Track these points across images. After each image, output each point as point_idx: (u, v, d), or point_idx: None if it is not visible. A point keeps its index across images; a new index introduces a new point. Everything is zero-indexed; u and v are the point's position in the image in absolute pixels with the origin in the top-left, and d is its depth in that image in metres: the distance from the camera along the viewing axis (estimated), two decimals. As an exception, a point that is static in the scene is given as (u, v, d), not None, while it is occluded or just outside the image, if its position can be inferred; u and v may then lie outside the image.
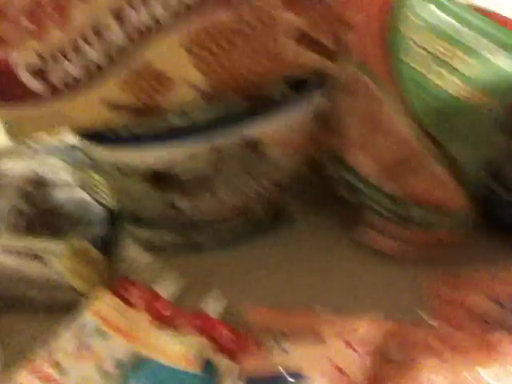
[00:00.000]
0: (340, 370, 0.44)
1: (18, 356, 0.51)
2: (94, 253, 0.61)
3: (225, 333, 0.53)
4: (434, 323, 0.51)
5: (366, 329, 0.46)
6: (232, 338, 0.53)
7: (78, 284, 0.57)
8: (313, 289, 0.57)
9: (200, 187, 0.56)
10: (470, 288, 0.52)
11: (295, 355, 0.46)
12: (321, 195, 0.64)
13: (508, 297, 0.51)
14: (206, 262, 0.61)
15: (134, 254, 0.64)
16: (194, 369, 0.49)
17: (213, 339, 0.52)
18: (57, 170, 0.67)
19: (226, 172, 0.55)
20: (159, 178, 0.56)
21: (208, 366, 0.50)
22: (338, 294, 0.55)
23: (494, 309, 0.51)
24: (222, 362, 0.50)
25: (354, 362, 0.44)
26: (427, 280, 0.55)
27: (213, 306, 0.56)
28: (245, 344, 0.52)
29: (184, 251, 0.63)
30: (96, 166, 0.60)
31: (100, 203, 0.65)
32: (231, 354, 0.51)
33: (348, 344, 0.45)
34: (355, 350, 0.45)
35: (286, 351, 0.47)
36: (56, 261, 0.56)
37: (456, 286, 0.53)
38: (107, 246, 0.63)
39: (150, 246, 0.63)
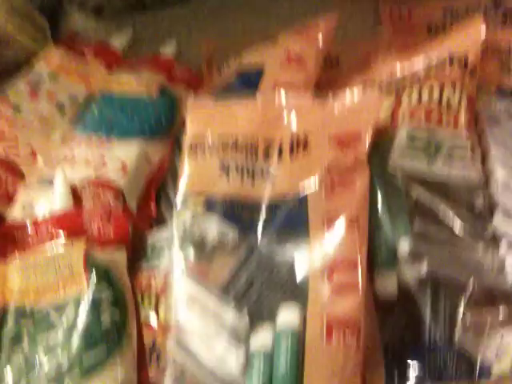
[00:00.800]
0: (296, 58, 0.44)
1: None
2: (37, 15, 0.58)
3: (179, 69, 0.53)
4: (385, 33, 0.51)
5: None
6: (186, 73, 0.53)
7: (23, 39, 0.55)
8: (265, 30, 0.56)
9: None
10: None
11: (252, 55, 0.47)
12: None
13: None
14: (154, 19, 0.60)
15: (80, 20, 0.62)
16: (149, 94, 0.49)
17: (168, 74, 0.52)
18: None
19: None
20: None
21: (164, 93, 0.50)
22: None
23: (441, 17, 0.52)
24: (178, 89, 0.50)
25: (309, 49, 0.45)
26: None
27: (166, 50, 0.55)
28: (199, 78, 0.53)
29: (131, 12, 0.61)
30: None
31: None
32: (187, 85, 0.51)
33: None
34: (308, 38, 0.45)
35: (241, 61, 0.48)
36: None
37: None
38: (52, 15, 0.61)
39: (96, 10, 0.61)
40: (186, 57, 0.55)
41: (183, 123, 0.44)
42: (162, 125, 0.47)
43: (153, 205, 0.43)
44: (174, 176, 0.43)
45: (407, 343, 0.33)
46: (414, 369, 0.31)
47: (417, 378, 0.31)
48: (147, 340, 0.36)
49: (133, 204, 0.43)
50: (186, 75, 0.53)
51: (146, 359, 0.36)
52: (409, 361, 0.32)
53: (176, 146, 0.46)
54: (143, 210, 0.43)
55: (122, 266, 0.38)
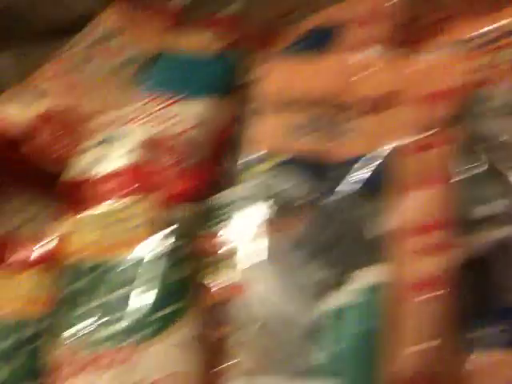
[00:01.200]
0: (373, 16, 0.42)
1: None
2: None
3: (245, 28, 0.51)
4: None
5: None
6: (253, 32, 0.51)
7: None
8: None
9: None
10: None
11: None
12: None
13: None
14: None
15: None
16: (214, 53, 0.48)
17: (233, 32, 0.50)
18: None
19: None
20: None
21: (230, 52, 0.48)
22: None
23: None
24: (244, 48, 0.49)
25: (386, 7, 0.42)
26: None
27: (230, 9, 0.54)
28: (266, 37, 0.51)
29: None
30: None
31: None
32: (254, 44, 0.50)
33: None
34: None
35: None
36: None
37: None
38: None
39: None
40: (251, 17, 0.54)
41: (251, 82, 0.43)
42: (228, 84, 0.46)
43: (220, 165, 0.43)
44: (241, 137, 0.42)
45: (483, 308, 0.31)
46: (488, 334, 0.30)
47: (492, 343, 0.30)
48: (214, 300, 0.36)
49: (200, 164, 0.42)
50: (252, 34, 0.51)
51: (213, 319, 0.35)
52: (484, 325, 0.30)
53: (244, 106, 0.44)
54: (210, 170, 0.42)
55: (191, 223, 0.37)
